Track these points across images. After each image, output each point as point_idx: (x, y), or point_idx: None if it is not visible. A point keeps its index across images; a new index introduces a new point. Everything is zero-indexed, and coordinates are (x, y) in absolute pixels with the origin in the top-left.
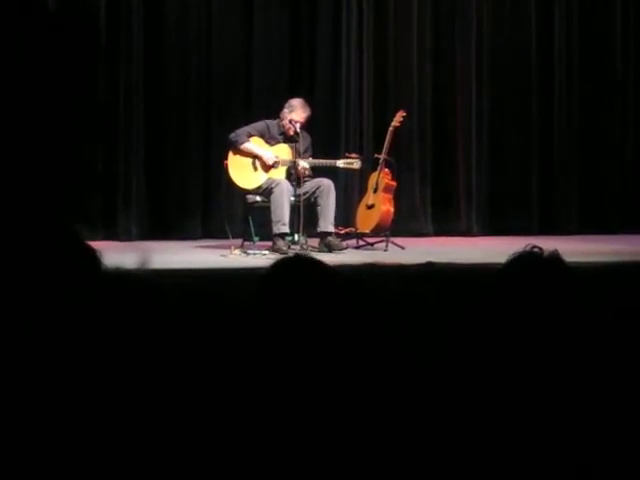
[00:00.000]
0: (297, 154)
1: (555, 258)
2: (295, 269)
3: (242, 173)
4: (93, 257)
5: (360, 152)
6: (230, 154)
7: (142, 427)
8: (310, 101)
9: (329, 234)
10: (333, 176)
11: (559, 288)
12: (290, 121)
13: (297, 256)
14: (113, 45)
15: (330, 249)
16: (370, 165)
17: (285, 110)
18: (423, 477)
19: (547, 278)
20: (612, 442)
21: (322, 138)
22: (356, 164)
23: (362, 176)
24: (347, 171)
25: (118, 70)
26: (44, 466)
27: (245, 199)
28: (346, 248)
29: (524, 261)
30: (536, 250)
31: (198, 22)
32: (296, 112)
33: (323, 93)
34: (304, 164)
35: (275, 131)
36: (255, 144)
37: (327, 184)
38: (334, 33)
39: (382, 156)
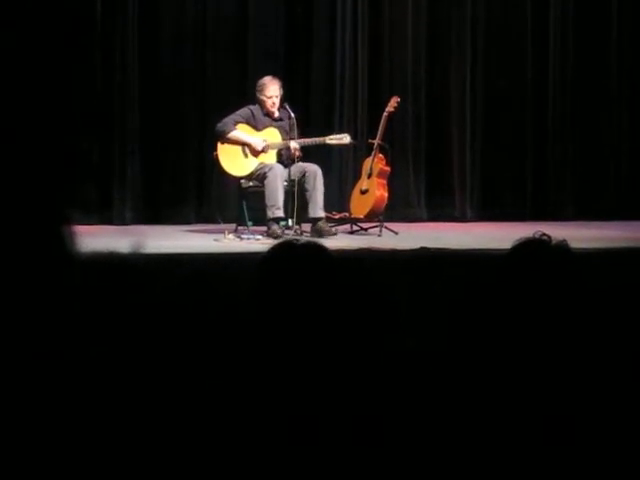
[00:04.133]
0: (286, 134)
1: (563, 247)
2: (294, 253)
3: (233, 161)
4: (64, 241)
5: (354, 137)
6: (219, 144)
7: (135, 414)
8: (305, 87)
9: (319, 219)
10: (327, 161)
11: (566, 276)
12: (281, 106)
13: (302, 242)
14: (108, 30)
15: (320, 235)
16: (364, 150)
17: (257, 93)
18: (421, 464)
19: (554, 266)
20: (619, 432)
21: (316, 122)
22: (345, 139)
23: (356, 161)
24: (339, 147)
25: (113, 55)
26: (31, 449)
27: (239, 184)
28: (335, 234)
29: (531, 247)
30: (544, 237)
31: (195, 9)
32: (267, 88)
33: (318, 78)
34: (294, 145)
35: (260, 114)
36: (242, 131)
37: (312, 169)
38: (330, 18)
39: (376, 141)
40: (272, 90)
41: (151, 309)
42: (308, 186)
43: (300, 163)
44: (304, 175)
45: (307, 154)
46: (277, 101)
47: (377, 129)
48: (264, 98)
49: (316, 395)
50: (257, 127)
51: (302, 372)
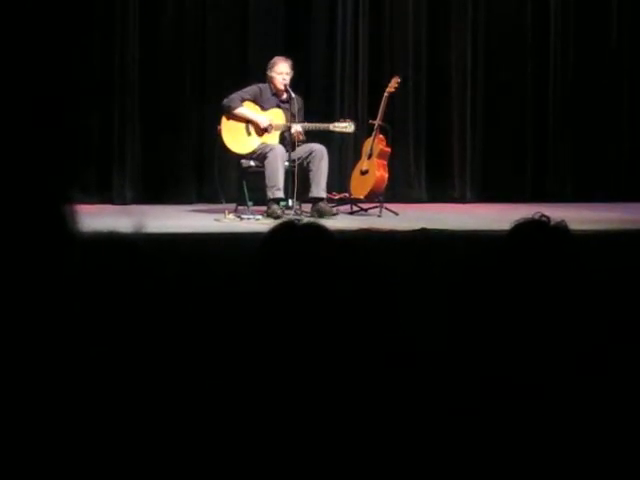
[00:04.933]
0: (292, 116)
1: (562, 227)
2: (295, 234)
3: (236, 138)
4: (65, 221)
5: (355, 118)
6: (223, 119)
7: (135, 400)
8: (306, 67)
9: (321, 200)
10: (328, 141)
11: (564, 258)
12: (285, 87)
13: (303, 223)
14: (108, 12)
15: (321, 215)
16: (365, 131)
17: (268, 71)
18: (422, 449)
19: (552, 247)
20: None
21: (317, 104)
22: (349, 127)
23: (357, 142)
24: (341, 134)
25: (113, 35)
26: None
27: (239, 164)
28: (336, 214)
29: (530, 228)
30: (543, 218)
31: None
32: (277, 65)
33: (318, 59)
34: (298, 128)
35: (268, 94)
36: (248, 109)
37: (319, 149)
38: (329, 8)
39: (377, 122)
40: (282, 67)
41: (151, 289)
42: (313, 166)
43: (307, 143)
44: (310, 154)
45: (310, 134)
46: (287, 78)
47: (377, 110)
48: (274, 74)
49: (317, 378)
50: (263, 106)
51: (302, 353)
